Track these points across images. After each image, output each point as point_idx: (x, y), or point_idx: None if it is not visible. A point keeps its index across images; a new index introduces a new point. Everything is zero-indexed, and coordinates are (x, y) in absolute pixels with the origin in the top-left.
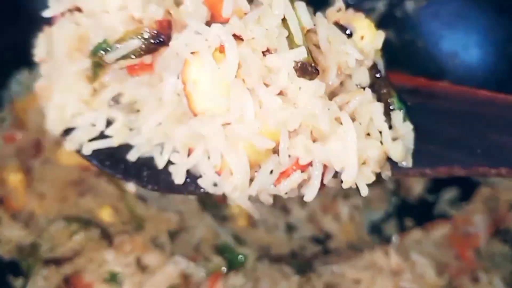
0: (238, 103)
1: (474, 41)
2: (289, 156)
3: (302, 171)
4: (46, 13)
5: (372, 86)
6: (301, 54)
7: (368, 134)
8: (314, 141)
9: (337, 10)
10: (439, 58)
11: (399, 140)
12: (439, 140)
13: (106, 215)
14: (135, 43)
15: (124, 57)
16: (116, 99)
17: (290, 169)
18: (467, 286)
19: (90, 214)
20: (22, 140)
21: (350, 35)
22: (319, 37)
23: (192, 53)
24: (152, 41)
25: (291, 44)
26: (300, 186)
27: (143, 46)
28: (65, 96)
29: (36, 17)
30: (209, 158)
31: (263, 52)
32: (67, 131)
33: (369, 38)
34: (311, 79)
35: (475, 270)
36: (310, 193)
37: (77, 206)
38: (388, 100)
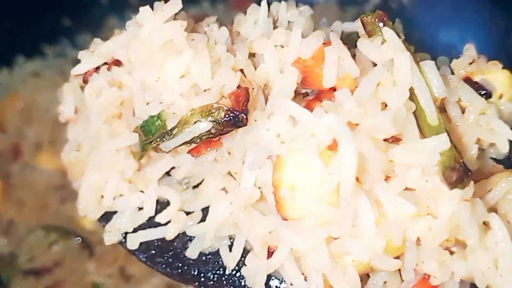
0: (351, 212)
1: (470, 34)
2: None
3: None
4: (76, 70)
5: (508, 157)
6: (442, 144)
7: None
8: (447, 249)
9: (469, 63)
10: (436, 51)
11: None
12: None
13: (87, 221)
14: (203, 127)
15: (187, 142)
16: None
17: None
18: None
19: (71, 221)
20: None
21: (487, 95)
22: (448, 101)
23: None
24: (228, 122)
25: (420, 121)
26: None
27: (214, 130)
28: (103, 174)
29: (18, 17)
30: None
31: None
32: (106, 217)
33: (508, 95)
34: (464, 187)
35: None
36: None
37: (57, 213)
38: None
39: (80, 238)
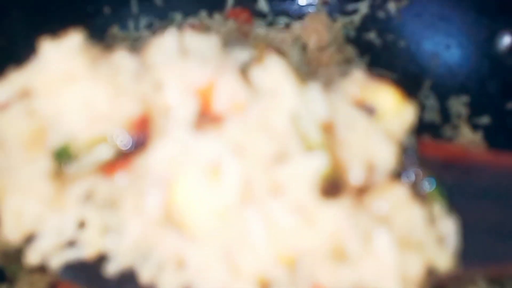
0: (241, 227)
1: (455, 41)
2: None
3: None
4: None
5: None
6: (323, 161)
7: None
8: (336, 260)
9: (356, 82)
10: (421, 58)
11: (444, 246)
12: (484, 232)
13: None
14: (104, 152)
15: (91, 168)
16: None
17: None
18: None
19: None
20: None
21: (373, 113)
22: (334, 121)
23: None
24: (127, 148)
25: (304, 140)
26: None
27: (115, 155)
28: (22, 198)
29: (20, 26)
30: None
31: None
32: (29, 239)
33: (394, 113)
34: (344, 201)
35: None
36: None
37: None
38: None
39: None
